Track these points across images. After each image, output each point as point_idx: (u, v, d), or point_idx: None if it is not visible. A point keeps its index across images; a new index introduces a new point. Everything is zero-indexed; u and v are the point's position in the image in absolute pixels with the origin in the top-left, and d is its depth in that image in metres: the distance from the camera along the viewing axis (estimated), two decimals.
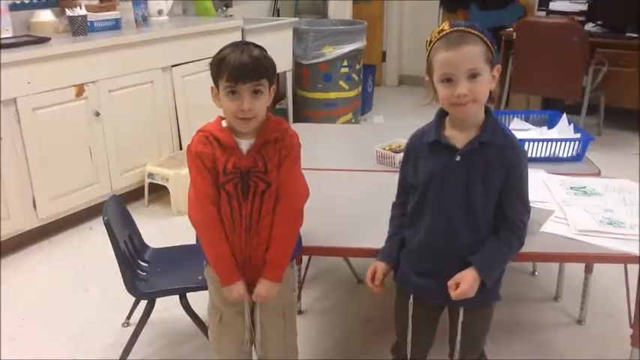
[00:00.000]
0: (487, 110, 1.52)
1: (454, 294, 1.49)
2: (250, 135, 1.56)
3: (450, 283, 1.51)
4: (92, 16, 3.36)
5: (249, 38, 4.01)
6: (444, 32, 1.44)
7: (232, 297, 1.62)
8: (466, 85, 1.41)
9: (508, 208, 1.52)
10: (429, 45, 1.47)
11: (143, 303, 2.14)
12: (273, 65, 1.54)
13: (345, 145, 2.70)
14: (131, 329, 2.18)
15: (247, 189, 1.56)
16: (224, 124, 1.58)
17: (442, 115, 1.55)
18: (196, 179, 1.57)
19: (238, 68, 1.46)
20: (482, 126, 1.49)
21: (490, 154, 1.48)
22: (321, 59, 4.62)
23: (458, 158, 1.49)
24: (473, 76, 1.41)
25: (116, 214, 2.09)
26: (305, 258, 2.48)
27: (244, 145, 1.56)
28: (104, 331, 2.40)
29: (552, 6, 5.20)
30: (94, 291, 2.70)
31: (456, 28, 1.43)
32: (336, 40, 4.60)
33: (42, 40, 3.09)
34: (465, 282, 1.49)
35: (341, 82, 4.75)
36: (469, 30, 1.42)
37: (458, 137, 1.50)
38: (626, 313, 2.02)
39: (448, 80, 1.42)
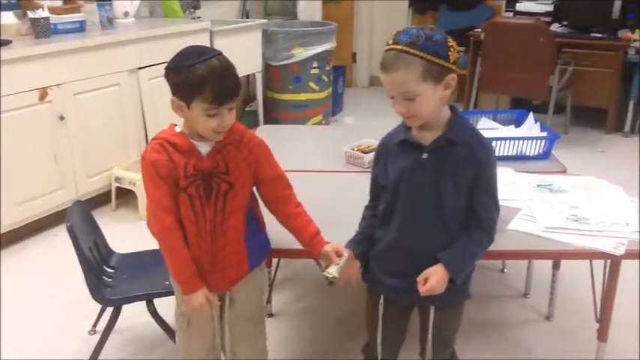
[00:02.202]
0: (453, 109, 1.52)
1: (422, 289, 1.50)
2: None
3: (419, 278, 1.51)
4: (55, 18, 3.30)
5: (217, 40, 3.98)
6: (386, 47, 1.42)
7: (193, 306, 1.60)
8: (402, 104, 1.43)
9: (478, 206, 1.52)
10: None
11: (110, 310, 2.10)
12: None
13: (315, 147, 2.69)
14: (98, 337, 2.13)
15: (210, 190, 1.54)
16: (177, 129, 1.57)
17: None
18: (150, 189, 1.56)
19: (224, 93, 1.46)
20: (447, 124, 1.50)
21: (459, 153, 1.48)
22: (291, 60, 4.61)
23: (425, 155, 1.49)
24: (407, 98, 1.42)
25: (80, 219, 2.05)
26: (274, 260, 2.46)
27: (203, 147, 1.55)
28: (70, 339, 2.35)
29: (519, 7, 5.27)
30: (59, 298, 2.64)
31: (392, 47, 1.40)
32: (306, 41, 4.59)
33: (3, 43, 3.01)
34: (434, 278, 1.49)
35: (311, 84, 4.74)
36: (406, 49, 1.38)
37: (425, 136, 1.51)
38: (593, 309, 2.05)
39: (391, 97, 1.45)
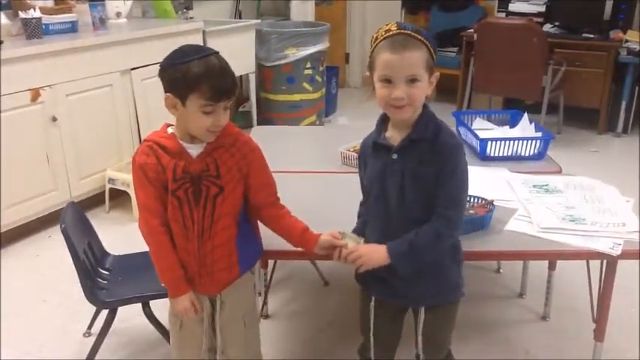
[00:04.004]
0: (423, 107, 1.51)
1: (350, 257, 1.51)
2: (199, 139, 1.53)
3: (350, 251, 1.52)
4: (47, 19, 3.27)
5: (210, 40, 3.96)
6: (391, 33, 1.44)
7: (178, 309, 1.61)
8: (404, 89, 1.42)
9: (436, 203, 1.48)
10: (374, 42, 1.47)
11: (105, 312, 2.08)
12: None
13: (309, 147, 2.69)
14: (93, 339, 2.12)
15: (199, 193, 1.53)
16: (170, 130, 1.56)
17: (385, 117, 1.56)
18: (138, 192, 1.56)
19: (222, 89, 1.45)
20: (414, 123, 1.50)
21: (422, 151, 1.48)
22: (284, 61, 4.59)
23: (394, 156, 1.50)
24: (412, 81, 1.42)
25: (74, 221, 2.03)
26: (271, 262, 2.45)
27: (193, 149, 1.53)
28: (64, 342, 2.34)
29: (511, 7, 5.29)
30: (53, 301, 2.62)
31: (402, 31, 1.43)
32: (299, 41, 4.58)
33: None
34: (367, 248, 1.51)
35: (305, 84, 4.73)
36: (415, 35, 1.43)
37: (396, 137, 1.52)
38: (589, 309, 2.06)
39: (387, 81, 1.44)
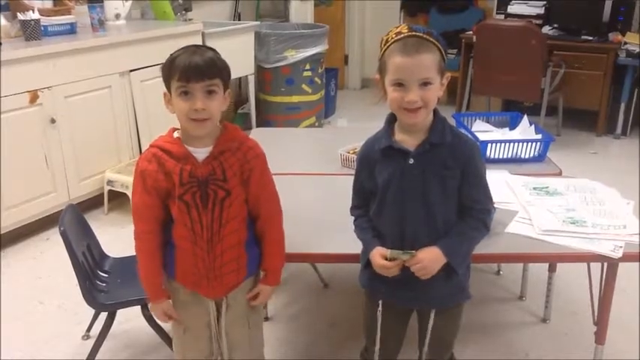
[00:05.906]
0: (435, 112, 1.52)
1: (414, 268, 1.49)
2: (206, 143, 1.52)
3: (413, 265, 1.49)
4: (45, 20, 3.27)
5: (209, 42, 3.96)
6: (402, 35, 1.43)
7: (158, 315, 1.65)
8: (417, 92, 1.41)
9: (470, 201, 1.52)
10: (385, 44, 1.46)
11: (104, 315, 2.07)
12: (226, 67, 1.50)
13: (308, 149, 2.68)
14: (91, 342, 2.11)
15: (206, 198, 1.52)
16: (176, 134, 1.55)
17: (392, 120, 1.55)
18: (134, 196, 1.57)
19: (190, 67, 1.43)
20: (430, 127, 1.50)
21: (443, 154, 1.48)
22: (284, 63, 4.60)
23: (411, 161, 1.49)
24: (424, 84, 1.41)
25: (73, 223, 2.02)
26: None
27: (200, 153, 1.52)
28: (63, 345, 2.32)
29: (510, 9, 5.28)
30: (51, 303, 2.61)
31: (414, 33, 1.43)
32: (298, 43, 4.58)
33: None
34: (425, 253, 1.48)
35: (304, 86, 4.73)
36: (427, 37, 1.43)
37: (409, 141, 1.51)
38: (590, 311, 2.05)
39: (400, 84, 1.42)
